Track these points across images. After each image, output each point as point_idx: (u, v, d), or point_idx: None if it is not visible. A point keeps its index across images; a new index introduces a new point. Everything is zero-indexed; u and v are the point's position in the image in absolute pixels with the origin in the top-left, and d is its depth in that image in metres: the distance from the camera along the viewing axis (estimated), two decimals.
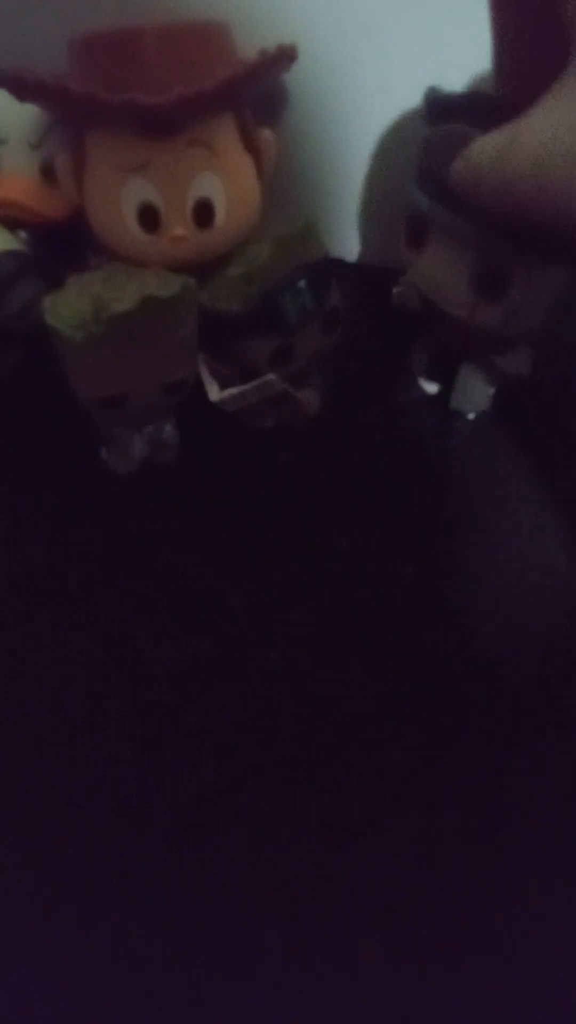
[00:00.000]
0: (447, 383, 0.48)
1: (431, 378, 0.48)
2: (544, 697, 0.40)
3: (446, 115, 0.37)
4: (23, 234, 0.47)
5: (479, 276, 0.39)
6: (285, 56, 0.40)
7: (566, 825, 0.37)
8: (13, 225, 0.46)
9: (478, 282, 0.39)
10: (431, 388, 0.49)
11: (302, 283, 0.41)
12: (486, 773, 0.38)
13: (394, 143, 0.47)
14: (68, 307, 0.38)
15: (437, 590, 0.43)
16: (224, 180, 0.40)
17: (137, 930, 0.35)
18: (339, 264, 0.48)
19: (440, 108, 0.38)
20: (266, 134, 0.42)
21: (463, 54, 0.38)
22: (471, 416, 0.48)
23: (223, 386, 0.45)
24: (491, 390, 0.46)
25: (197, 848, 0.37)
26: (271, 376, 0.43)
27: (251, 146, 0.41)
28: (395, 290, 0.45)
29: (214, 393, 0.45)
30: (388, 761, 0.38)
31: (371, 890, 0.36)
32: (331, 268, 0.43)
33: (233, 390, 0.44)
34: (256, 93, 0.41)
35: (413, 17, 0.42)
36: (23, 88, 0.37)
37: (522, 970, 0.34)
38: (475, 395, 0.46)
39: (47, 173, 0.44)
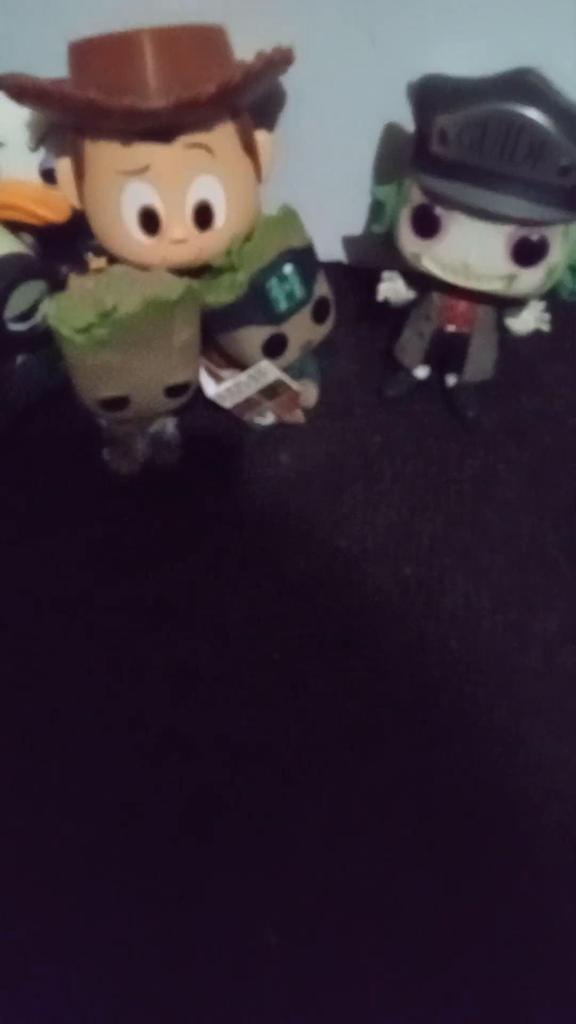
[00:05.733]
0: (437, 368, 0.49)
1: (422, 364, 0.48)
2: (544, 696, 0.40)
3: (445, 101, 0.38)
4: (27, 237, 0.47)
5: (518, 245, 0.40)
6: (282, 59, 0.40)
7: (566, 826, 0.37)
8: (15, 228, 0.46)
9: (518, 251, 0.40)
10: (422, 373, 0.49)
11: (288, 269, 0.41)
12: (485, 773, 0.38)
13: (392, 144, 0.47)
14: (71, 310, 0.38)
15: (437, 590, 0.43)
16: (223, 182, 0.40)
17: (137, 930, 0.35)
18: (333, 266, 0.48)
19: (436, 95, 0.38)
20: (264, 136, 0.42)
21: (461, 56, 0.38)
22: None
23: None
24: (496, 355, 0.47)
25: (197, 848, 0.37)
26: (264, 362, 0.43)
27: (249, 148, 0.42)
28: (381, 285, 0.45)
29: (211, 388, 0.45)
30: (388, 761, 0.38)
31: (370, 890, 0.36)
32: (316, 258, 0.43)
33: (228, 383, 0.44)
34: (254, 95, 0.41)
35: (410, 19, 0.42)
36: (22, 93, 0.37)
37: (521, 971, 0.34)
38: (485, 364, 0.47)
39: (47, 176, 0.45)
